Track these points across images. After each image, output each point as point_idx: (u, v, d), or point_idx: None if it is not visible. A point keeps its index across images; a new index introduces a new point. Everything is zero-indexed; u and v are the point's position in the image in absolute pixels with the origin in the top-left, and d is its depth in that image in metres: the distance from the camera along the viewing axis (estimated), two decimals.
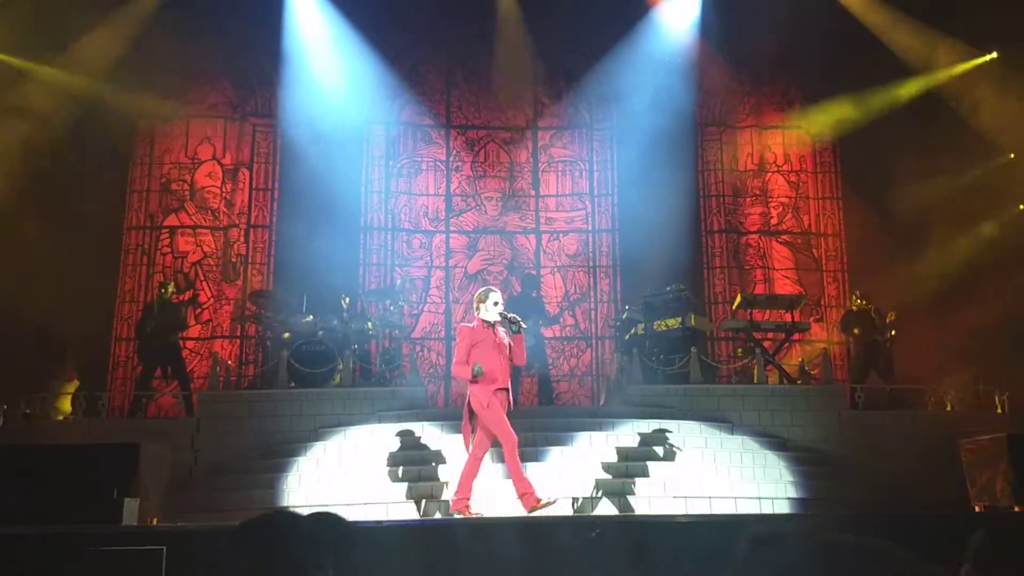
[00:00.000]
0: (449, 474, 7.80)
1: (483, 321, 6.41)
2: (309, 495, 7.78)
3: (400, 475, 8.01)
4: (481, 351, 6.29)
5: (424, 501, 7.55)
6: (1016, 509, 6.59)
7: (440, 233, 13.79)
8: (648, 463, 8.14)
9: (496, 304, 6.40)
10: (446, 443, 8.49)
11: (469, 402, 6.35)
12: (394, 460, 8.31)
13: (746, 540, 1.00)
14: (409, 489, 7.69)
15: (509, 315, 6.38)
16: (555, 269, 13.71)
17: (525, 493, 6.25)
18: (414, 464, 8.19)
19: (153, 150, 13.49)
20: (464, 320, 6.85)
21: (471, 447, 6.43)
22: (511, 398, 6.44)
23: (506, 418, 6.30)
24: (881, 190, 12.84)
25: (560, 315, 13.10)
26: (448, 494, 7.30)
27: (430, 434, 8.77)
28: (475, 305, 6.52)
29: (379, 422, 9.19)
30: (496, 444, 6.46)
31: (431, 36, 13.85)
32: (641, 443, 8.61)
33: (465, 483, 6.37)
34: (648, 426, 8.88)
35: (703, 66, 13.35)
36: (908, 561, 0.93)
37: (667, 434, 8.72)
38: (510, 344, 6.40)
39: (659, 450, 8.46)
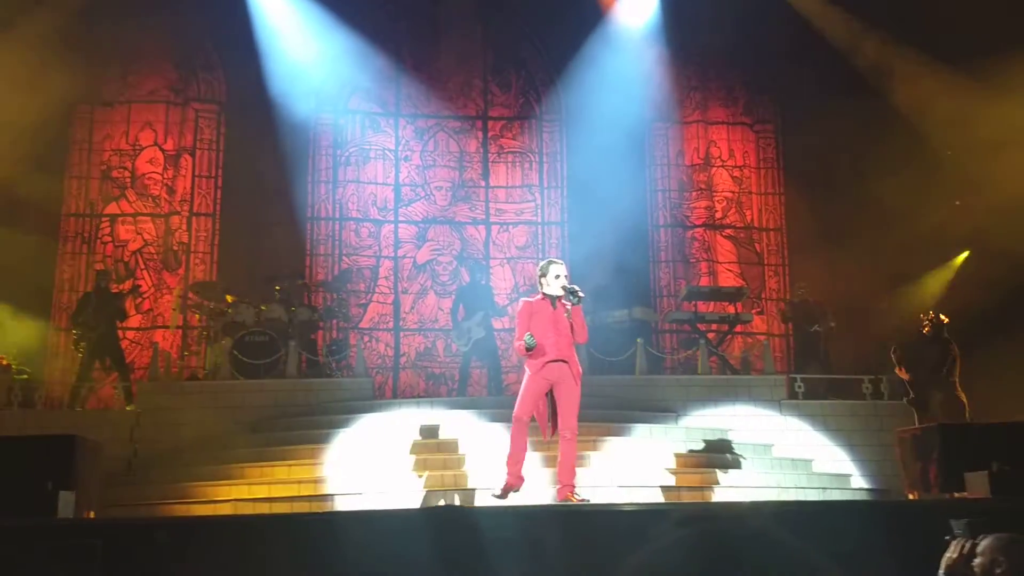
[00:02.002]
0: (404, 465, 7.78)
1: (545, 295, 6.16)
2: (253, 488, 7.69)
3: (349, 466, 7.95)
4: (536, 323, 6.06)
5: (390, 493, 7.48)
6: (947, 496, 6.80)
7: (389, 223, 13.70)
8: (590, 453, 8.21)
9: (558, 278, 6.11)
10: (389, 433, 8.46)
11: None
12: (342, 451, 8.25)
13: (668, 523, 1.02)
14: (383, 480, 7.63)
15: (570, 287, 6.08)
16: (504, 260, 13.72)
17: (508, 473, 6.13)
18: (365, 455, 8.14)
19: (92, 135, 13.14)
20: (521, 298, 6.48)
21: (549, 432, 6.20)
22: (574, 372, 6.09)
23: (533, 402, 6.07)
24: (822, 186, 13.12)
25: (508, 306, 13.12)
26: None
27: (378, 424, 8.72)
28: (537, 279, 6.26)
29: (324, 414, 9.12)
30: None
31: (380, 23, 13.71)
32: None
33: (565, 470, 6.08)
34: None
35: (652, 61, 13.44)
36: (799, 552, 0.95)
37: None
38: (570, 319, 6.09)
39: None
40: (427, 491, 7.36)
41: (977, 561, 2.51)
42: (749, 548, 0.79)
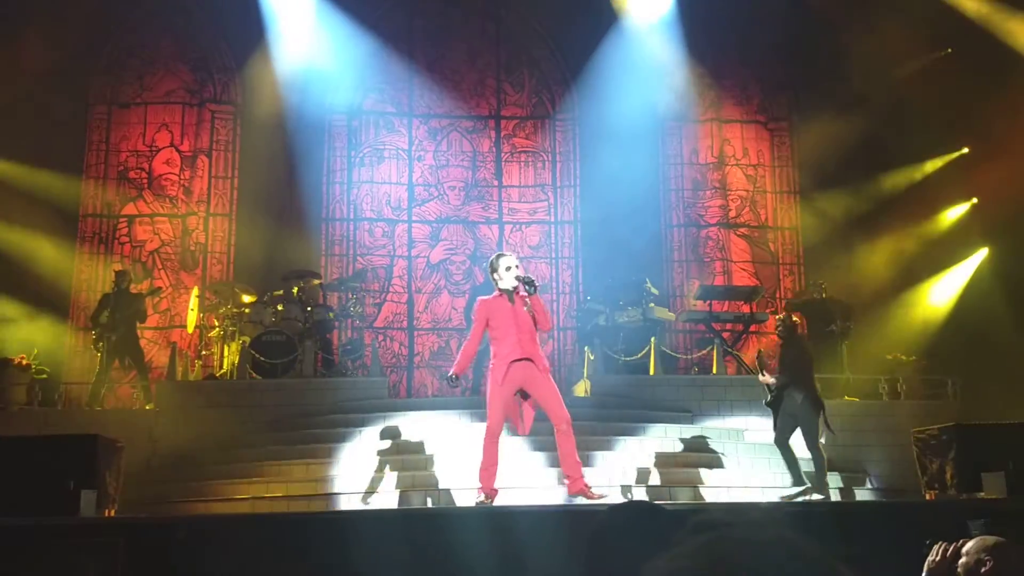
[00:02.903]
0: (427, 462, 7.82)
1: (501, 291, 6.02)
2: (271, 487, 7.75)
3: (365, 465, 7.99)
4: (497, 321, 5.94)
5: (403, 492, 7.52)
6: (963, 497, 6.78)
7: (403, 222, 13.75)
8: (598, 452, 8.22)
9: (509, 269, 5.96)
10: (405, 432, 8.50)
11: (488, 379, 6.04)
12: (358, 450, 8.29)
13: (688, 527, 1.04)
14: (395, 480, 7.66)
15: (523, 276, 5.94)
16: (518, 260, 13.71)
17: (481, 486, 6.10)
18: (382, 455, 8.18)
19: (109, 136, 13.25)
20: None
21: (524, 427, 6.16)
22: (540, 368, 5.97)
23: (504, 411, 5.99)
24: (837, 184, 13.07)
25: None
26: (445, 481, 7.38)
27: (393, 424, 8.75)
28: (490, 276, 6.11)
29: (340, 412, 9.17)
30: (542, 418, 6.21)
31: (394, 23, 13.77)
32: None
33: (569, 464, 6.02)
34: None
35: (665, 59, 13.42)
36: (816, 559, 0.96)
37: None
38: (531, 310, 5.95)
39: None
40: (445, 490, 7.40)
41: (962, 561, 2.51)
42: (772, 551, 0.80)
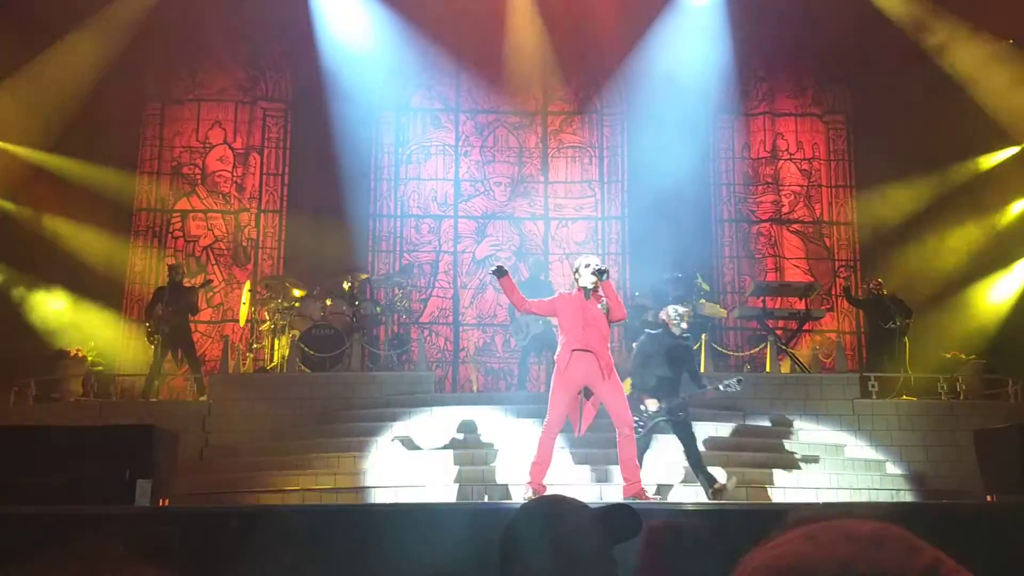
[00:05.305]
0: (473, 457, 7.81)
1: (580, 287, 6.17)
2: (320, 478, 7.79)
3: (412, 458, 8.00)
4: (565, 314, 6.11)
5: (455, 485, 7.50)
6: None
7: (448, 218, 13.76)
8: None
9: (587, 267, 6.13)
10: (452, 426, 8.49)
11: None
12: (405, 443, 8.30)
13: (786, 523, 0.98)
14: (445, 473, 7.66)
15: (596, 268, 6.10)
16: (563, 256, 13.64)
17: (530, 480, 6.08)
18: (430, 448, 8.18)
19: (163, 133, 13.48)
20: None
21: (581, 428, 6.19)
22: (602, 365, 5.99)
23: (566, 406, 6.06)
24: (895, 177, 12.74)
25: None
26: (503, 477, 7.33)
27: (439, 419, 8.75)
28: (572, 277, 6.29)
29: (388, 406, 9.19)
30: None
31: (441, 19, 13.76)
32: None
33: (628, 468, 6.04)
34: None
35: (716, 51, 13.21)
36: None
37: None
38: (605, 308, 6.10)
39: None
40: (500, 485, 7.37)
41: None
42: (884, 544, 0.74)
